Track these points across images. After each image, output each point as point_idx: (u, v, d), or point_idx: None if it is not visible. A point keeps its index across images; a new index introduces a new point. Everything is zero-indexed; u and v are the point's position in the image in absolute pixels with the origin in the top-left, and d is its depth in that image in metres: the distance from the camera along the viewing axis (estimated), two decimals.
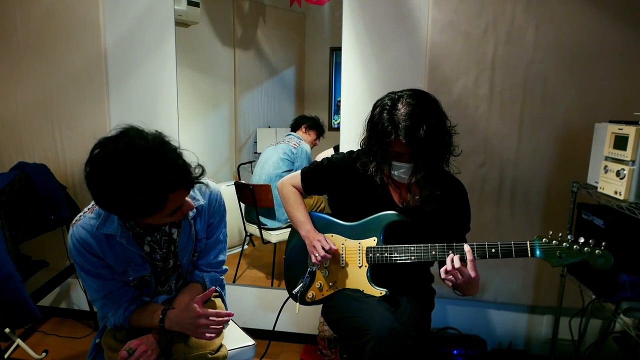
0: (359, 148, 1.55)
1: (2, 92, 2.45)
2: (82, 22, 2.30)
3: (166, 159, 1.07)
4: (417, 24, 2.05)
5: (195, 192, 1.36)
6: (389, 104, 1.35)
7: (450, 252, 1.38)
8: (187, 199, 1.19)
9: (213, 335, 1.26)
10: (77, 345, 2.41)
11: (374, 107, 1.41)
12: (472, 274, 1.31)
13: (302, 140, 2.81)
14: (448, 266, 1.32)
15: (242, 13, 3.04)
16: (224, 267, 1.55)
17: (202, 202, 1.38)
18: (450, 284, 1.36)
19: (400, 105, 1.33)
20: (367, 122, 1.44)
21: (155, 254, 1.35)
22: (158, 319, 1.29)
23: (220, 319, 1.25)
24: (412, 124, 1.29)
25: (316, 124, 2.91)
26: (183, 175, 1.12)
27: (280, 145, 2.79)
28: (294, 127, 2.92)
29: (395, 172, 1.41)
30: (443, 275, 1.34)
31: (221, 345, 1.39)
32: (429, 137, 1.30)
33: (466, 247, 1.35)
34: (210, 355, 1.32)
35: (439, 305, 1.79)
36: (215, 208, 1.42)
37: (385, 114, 1.34)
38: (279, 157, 2.73)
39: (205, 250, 1.46)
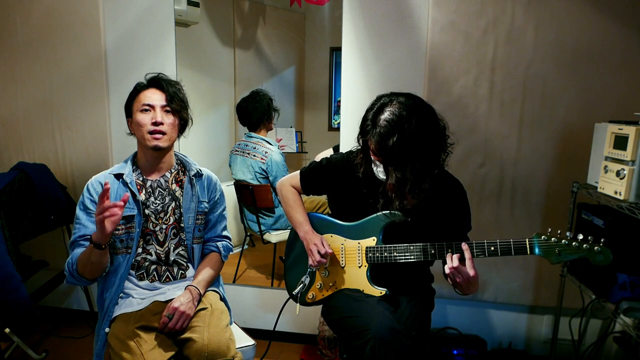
0: (356, 148, 1.56)
1: (2, 92, 2.46)
2: (82, 22, 2.30)
3: (157, 73, 1.60)
4: (417, 24, 2.05)
5: (193, 162, 1.66)
6: (378, 104, 1.35)
7: (449, 250, 1.39)
8: (161, 115, 1.51)
9: (110, 225, 1.30)
10: (77, 345, 2.41)
11: (373, 101, 1.41)
12: (471, 272, 1.32)
13: (269, 147, 2.62)
14: (449, 264, 1.33)
15: (242, 13, 3.04)
16: (229, 244, 1.75)
17: (201, 170, 1.65)
18: (451, 282, 1.38)
19: (386, 109, 1.32)
20: (364, 115, 1.44)
21: (148, 201, 1.55)
22: (91, 245, 1.37)
23: (109, 206, 1.28)
24: (385, 132, 1.28)
25: (271, 105, 2.69)
26: (153, 78, 1.57)
27: (247, 160, 2.63)
28: (252, 126, 2.72)
29: (375, 170, 1.41)
30: (447, 271, 1.34)
31: (235, 354, 1.43)
32: (397, 149, 1.27)
33: (464, 245, 1.35)
34: None
35: (439, 305, 1.80)
36: (215, 185, 1.69)
37: (371, 114, 1.34)
38: (252, 178, 2.62)
39: (213, 224, 1.69)
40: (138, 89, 1.56)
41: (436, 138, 1.33)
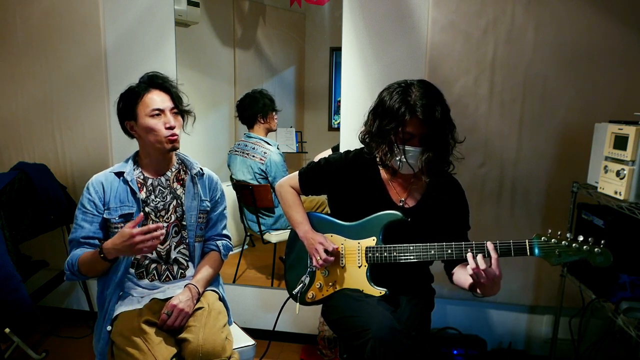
0: (356, 149, 1.56)
1: (2, 92, 2.46)
2: (82, 22, 2.30)
3: (152, 72, 1.57)
4: (417, 24, 2.05)
5: (195, 161, 1.67)
6: (400, 88, 1.38)
7: (449, 250, 1.39)
8: (172, 118, 1.52)
9: (152, 249, 1.36)
10: (77, 345, 2.41)
11: (381, 94, 1.42)
12: (497, 272, 1.27)
13: (268, 148, 2.62)
14: (472, 265, 1.27)
15: (242, 13, 3.04)
16: (229, 243, 1.74)
17: (202, 169, 1.66)
18: (472, 283, 1.34)
19: (413, 89, 1.36)
20: (372, 110, 1.45)
21: (148, 199, 1.56)
22: (98, 253, 1.40)
23: (153, 233, 1.32)
24: (429, 103, 1.33)
25: (267, 102, 2.66)
26: (154, 80, 1.54)
27: (246, 160, 2.63)
28: (249, 122, 2.71)
29: (404, 158, 1.38)
30: (469, 273, 1.29)
31: (231, 354, 1.43)
32: (443, 119, 1.34)
33: (489, 245, 1.31)
34: None
35: (439, 305, 1.79)
36: (216, 184, 1.70)
37: (396, 96, 1.36)
38: (252, 178, 2.62)
39: (214, 223, 1.69)
40: (140, 92, 1.53)
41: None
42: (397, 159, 1.41)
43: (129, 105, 1.53)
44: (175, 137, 1.53)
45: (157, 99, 1.52)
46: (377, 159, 1.46)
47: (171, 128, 1.51)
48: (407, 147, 1.38)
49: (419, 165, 1.40)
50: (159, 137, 1.51)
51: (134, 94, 1.53)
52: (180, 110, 1.56)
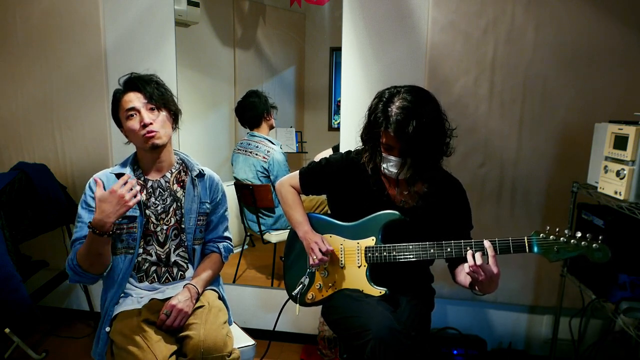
0: (356, 149, 1.56)
1: (2, 92, 2.46)
2: (82, 22, 2.30)
3: (129, 76, 1.54)
4: (417, 24, 2.05)
5: (195, 161, 1.65)
6: (386, 95, 1.37)
7: (448, 248, 1.39)
8: (148, 115, 1.48)
9: (135, 200, 1.38)
10: (77, 345, 2.41)
11: (374, 97, 1.42)
12: (495, 269, 1.29)
13: (271, 147, 2.63)
14: (470, 263, 1.29)
15: (242, 13, 3.04)
16: (230, 245, 1.73)
17: (203, 169, 1.64)
18: (470, 281, 1.36)
19: (396, 99, 1.34)
20: (367, 111, 1.45)
21: (149, 202, 1.55)
22: (91, 234, 1.37)
23: (128, 182, 1.38)
24: (403, 118, 1.30)
25: (267, 100, 2.71)
26: (127, 80, 1.52)
27: (249, 159, 2.65)
28: (253, 123, 2.73)
29: (385, 165, 1.41)
30: (467, 271, 1.32)
31: (232, 350, 1.43)
32: (418, 135, 1.30)
33: (486, 243, 1.33)
34: (227, 358, 1.38)
35: (439, 305, 1.80)
36: (217, 185, 1.67)
37: (380, 105, 1.36)
38: (253, 177, 2.62)
39: (215, 225, 1.68)
40: (118, 96, 1.52)
41: (443, 121, 1.39)
42: (379, 165, 1.43)
43: (113, 114, 1.56)
44: (153, 134, 1.47)
45: (130, 99, 1.49)
46: (361, 162, 1.48)
47: (146, 125, 1.47)
48: (387, 156, 1.39)
49: (400, 174, 1.40)
50: (138, 137, 1.48)
51: (114, 101, 1.54)
52: (157, 104, 1.50)
